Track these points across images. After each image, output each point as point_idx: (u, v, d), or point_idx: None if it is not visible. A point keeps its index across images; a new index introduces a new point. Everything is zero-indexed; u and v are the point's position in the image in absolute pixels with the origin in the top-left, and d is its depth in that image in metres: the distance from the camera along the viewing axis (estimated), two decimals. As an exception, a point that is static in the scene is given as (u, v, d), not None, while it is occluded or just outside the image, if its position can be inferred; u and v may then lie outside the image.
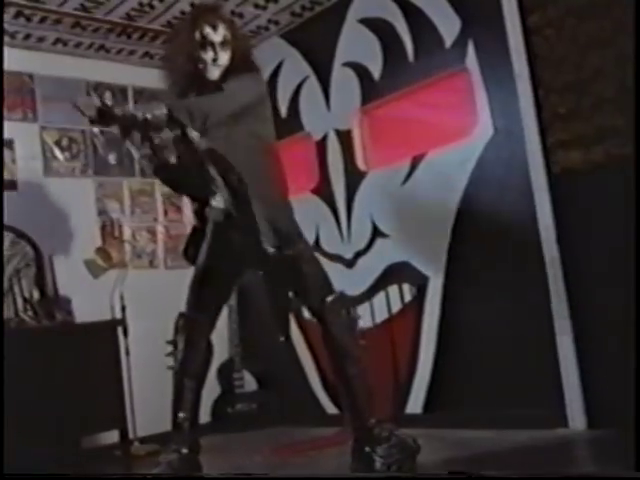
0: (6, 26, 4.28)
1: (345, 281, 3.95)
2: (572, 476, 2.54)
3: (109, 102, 3.76)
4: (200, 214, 2.97)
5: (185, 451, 2.76)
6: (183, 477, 2.74)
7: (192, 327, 2.86)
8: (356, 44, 4.38)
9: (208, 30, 2.79)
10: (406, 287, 4.11)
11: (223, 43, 2.80)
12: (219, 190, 2.83)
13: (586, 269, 3.31)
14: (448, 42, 3.91)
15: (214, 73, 2.80)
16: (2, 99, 4.33)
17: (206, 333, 2.90)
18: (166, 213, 5.07)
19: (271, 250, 2.71)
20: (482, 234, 3.77)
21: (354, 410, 2.82)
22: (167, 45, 3.25)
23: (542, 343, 3.46)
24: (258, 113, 2.83)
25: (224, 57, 2.80)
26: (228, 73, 2.81)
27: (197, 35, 2.79)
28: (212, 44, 2.78)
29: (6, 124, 4.49)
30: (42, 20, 4.28)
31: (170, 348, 2.92)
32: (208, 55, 2.78)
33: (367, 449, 2.74)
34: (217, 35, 2.79)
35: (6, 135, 4.47)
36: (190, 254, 2.98)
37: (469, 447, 3.25)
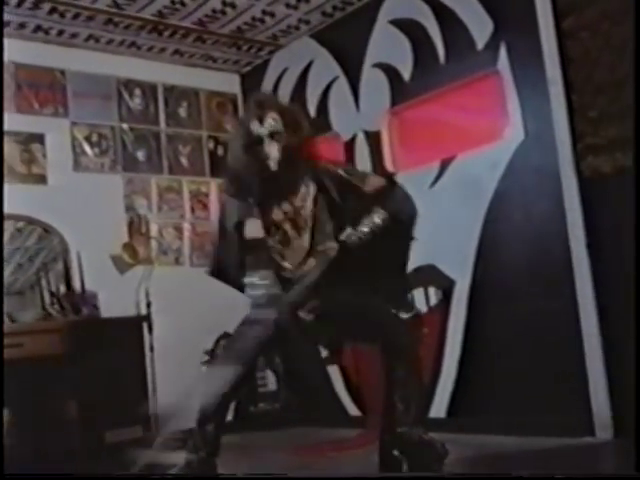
0: (40, 22, 4.33)
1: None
2: (573, 476, 2.51)
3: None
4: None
5: (203, 454, 2.75)
6: (184, 477, 2.74)
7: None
8: (387, 45, 4.36)
9: (255, 126, 2.75)
10: (432, 290, 4.08)
11: (272, 135, 2.74)
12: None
13: (616, 275, 3.27)
14: (480, 44, 3.88)
15: (272, 164, 2.76)
16: (2, 96, 4.36)
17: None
18: (193, 210, 5.09)
19: None
20: (510, 238, 3.74)
21: (391, 412, 2.78)
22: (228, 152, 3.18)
23: (569, 349, 3.42)
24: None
25: (274, 150, 2.74)
26: (284, 163, 2.75)
27: (248, 135, 2.77)
28: (260, 138, 2.75)
29: (37, 119, 4.54)
30: (75, 16, 4.32)
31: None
32: (259, 149, 2.75)
33: (395, 452, 2.72)
34: (264, 128, 2.75)
35: (37, 130, 4.52)
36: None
37: (493, 452, 3.22)
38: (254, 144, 2.75)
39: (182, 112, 5.16)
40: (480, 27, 3.87)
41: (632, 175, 2.95)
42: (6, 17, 4.17)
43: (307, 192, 2.84)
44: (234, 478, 3.07)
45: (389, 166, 4.39)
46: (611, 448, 3.18)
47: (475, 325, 3.86)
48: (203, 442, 2.76)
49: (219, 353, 2.84)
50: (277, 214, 2.82)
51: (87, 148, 4.73)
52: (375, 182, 2.90)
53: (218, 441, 2.80)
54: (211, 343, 4.17)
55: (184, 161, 5.11)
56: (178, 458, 2.78)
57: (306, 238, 2.81)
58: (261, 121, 2.76)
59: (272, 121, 2.76)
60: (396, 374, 2.76)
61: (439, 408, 3.96)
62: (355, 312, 2.78)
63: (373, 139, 4.45)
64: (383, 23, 4.38)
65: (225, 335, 2.90)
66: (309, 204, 2.83)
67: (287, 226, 2.82)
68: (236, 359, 2.76)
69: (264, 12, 4.50)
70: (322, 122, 4.68)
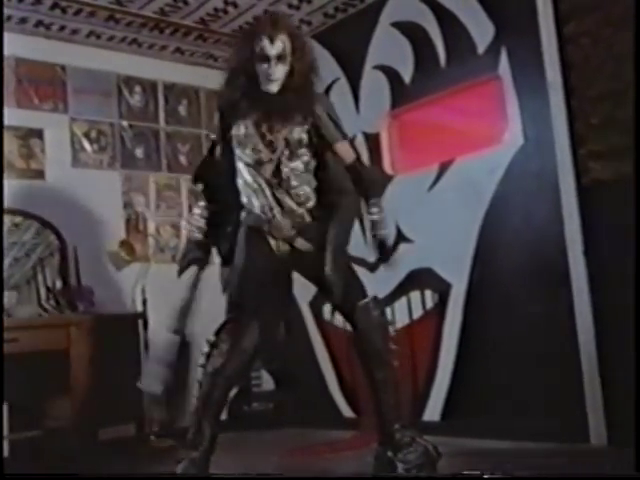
0: (42, 17, 4.32)
1: (367, 285, 3.92)
2: (573, 476, 2.51)
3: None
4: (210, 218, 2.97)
5: (199, 452, 2.74)
6: (182, 477, 2.74)
7: (241, 332, 2.82)
8: (388, 47, 4.36)
9: (265, 42, 2.74)
10: (428, 293, 4.09)
11: (280, 57, 2.74)
12: (259, 198, 2.83)
13: (613, 283, 3.28)
14: (481, 48, 3.89)
15: (271, 87, 2.77)
16: (2, 94, 4.36)
17: (254, 340, 2.85)
18: (191, 208, 5.06)
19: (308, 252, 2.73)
20: (507, 243, 3.74)
21: (379, 414, 2.81)
22: (230, 53, 3.19)
23: (565, 354, 3.43)
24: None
25: (279, 72, 2.75)
26: (285, 88, 2.78)
27: (256, 47, 2.75)
28: (267, 57, 2.74)
29: (37, 114, 4.53)
30: (77, 12, 4.31)
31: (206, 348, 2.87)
32: (262, 68, 2.75)
33: (389, 454, 2.74)
34: (273, 48, 2.74)
35: (36, 125, 4.51)
36: (197, 257, 2.96)
37: (487, 457, 3.22)
38: (260, 61, 2.74)
39: (182, 110, 5.16)
40: (481, 31, 3.87)
41: (632, 182, 2.96)
42: (8, 11, 4.17)
43: (298, 125, 2.83)
44: (233, 478, 3.07)
45: (388, 168, 4.39)
46: (605, 455, 3.17)
47: (471, 329, 3.87)
48: (201, 438, 2.76)
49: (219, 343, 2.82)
50: (266, 138, 2.82)
51: (86, 144, 4.72)
52: (348, 150, 2.97)
53: (215, 437, 2.80)
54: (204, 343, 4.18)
55: (183, 159, 5.11)
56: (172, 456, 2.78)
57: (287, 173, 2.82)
58: (272, 40, 2.74)
59: (281, 43, 2.75)
60: (375, 377, 2.80)
61: (433, 411, 3.96)
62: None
63: (372, 141, 4.45)
64: (385, 25, 4.38)
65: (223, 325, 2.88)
66: (295, 137, 2.82)
67: (265, 153, 2.81)
68: (233, 351, 2.77)
69: (266, 12, 4.49)
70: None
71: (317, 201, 2.86)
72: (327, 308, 4.50)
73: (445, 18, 4.05)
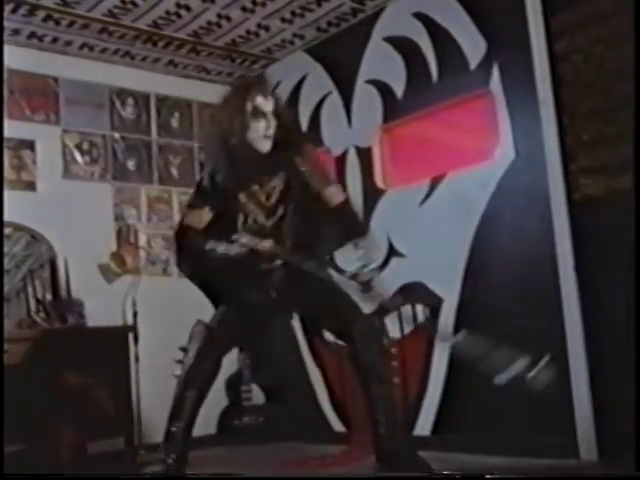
0: (35, 29, 4.32)
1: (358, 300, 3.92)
2: (573, 476, 2.51)
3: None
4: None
5: (170, 461, 2.71)
6: (180, 477, 2.72)
7: (208, 337, 2.82)
8: (380, 62, 4.38)
9: (260, 100, 2.78)
10: (419, 308, 4.08)
11: (273, 113, 2.80)
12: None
13: (603, 299, 3.28)
14: (473, 64, 3.91)
15: (265, 145, 2.81)
16: (2, 102, 4.35)
17: (221, 349, 2.86)
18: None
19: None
20: (499, 258, 3.75)
21: (377, 430, 2.80)
22: (214, 116, 3.21)
23: (555, 370, 3.42)
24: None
25: (274, 127, 2.80)
26: (276, 146, 2.82)
27: (249, 105, 2.78)
28: (263, 113, 2.78)
29: (28, 125, 4.52)
30: (70, 24, 4.31)
31: (181, 355, 2.89)
32: (260, 124, 2.78)
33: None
34: (267, 105, 2.79)
35: (28, 136, 4.51)
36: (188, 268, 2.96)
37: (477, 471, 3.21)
38: (255, 118, 2.77)
39: (174, 123, 5.16)
40: (473, 47, 3.90)
41: (622, 198, 2.98)
42: (0, 23, 4.17)
43: (280, 179, 2.86)
44: (233, 477, 3.06)
45: (380, 183, 4.40)
46: (596, 470, 3.17)
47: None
48: (171, 447, 2.73)
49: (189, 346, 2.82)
50: (250, 193, 2.84)
51: (77, 156, 4.71)
52: (334, 195, 2.94)
53: (187, 443, 2.77)
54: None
55: (174, 172, 5.11)
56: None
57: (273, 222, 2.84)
58: (266, 97, 2.80)
59: (273, 99, 2.82)
60: (372, 393, 2.79)
61: (424, 426, 3.95)
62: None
63: (364, 155, 4.46)
64: (377, 40, 4.40)
65: (198, 322, 2.87)
66: (277, 191, 2.84)
67: (252, 206, 2.84)
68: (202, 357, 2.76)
69: (259, 26, 4.51)
70: (314, 137, 4.69)
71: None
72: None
73: (437, 33, 4.08)
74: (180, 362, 2.86)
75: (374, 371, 2.81)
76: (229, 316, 2.85)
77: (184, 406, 2.76)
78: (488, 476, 2.62)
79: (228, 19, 4.41)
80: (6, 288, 4.21)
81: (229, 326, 2.85)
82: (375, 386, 2.80)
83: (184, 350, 2.85)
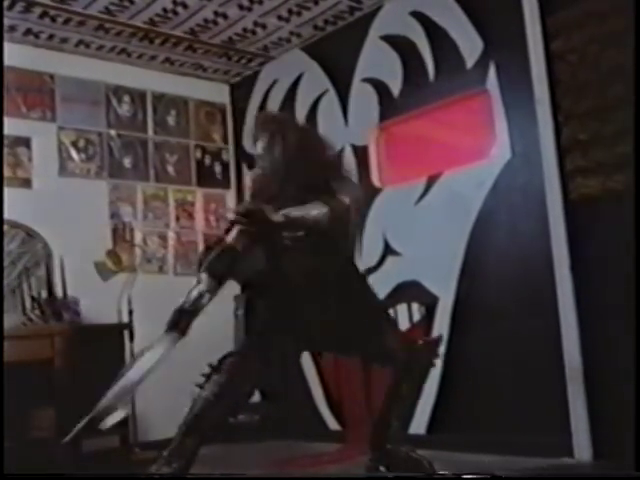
0: (31, 26, 4.32)
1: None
2: (572, 476, 2.51)
3: None
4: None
5: (176, 465, 2.69)
6: (181, 477, 2.71)
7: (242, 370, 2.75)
8: (377, 60, 4.38)
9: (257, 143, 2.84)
10: (415, 306, 4.09)
11: (264, 149, 2.80)
12: None
13: (599, 299, 3.29)
14: (469, 63, 3.91)
15: None
16: (2, 99, 4.34)
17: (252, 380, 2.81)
18: (178, 219, 5.07)
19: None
20: (494, 257, 3.75)
21: (381, 427, 2.80)
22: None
23: (550, 369, 3.43)
24: None
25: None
26: None
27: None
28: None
29: (24, 122, 4.52)
30: (66, 21, 4.31)
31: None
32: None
33: (382, 469, 2.73)
34: (257, 147, 2.83)
35: (24, 133, 4.50)
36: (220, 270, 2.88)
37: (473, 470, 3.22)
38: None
39: (170, 120, 5.15)
40: (470, 46, 3.90)
41: (619, 198, 2.99)
42: (-4, 20, 4.16)
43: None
44: (232, 477, 3.05)
45: (376, 181, 4.40)
46: (590, 470, 3.18)
47: (457, 342, 3.86)
48: (179, 454, 2.71)
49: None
50: None
51: (73, 153, 4.70)
52: None
53: (194, 455, 2.75)
54: (192, 353, 4.15)
55: (171, 169, 5.10)
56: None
57: None
58: (256, 141, 2.86)
59: (266, 138, 2.82)
60: (401, 390, 2.79)
61: (419, 424, 3.96)
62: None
63: (361, 154, 4.46)
64: (374, 38, 4.40)
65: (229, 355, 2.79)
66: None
67: None
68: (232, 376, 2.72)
69: (256, 24, 4.51)
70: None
71: None
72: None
73: (434, 32, 4.08)
74: (207, 377, 2.76)
75: (410, 372, 2.82)
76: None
77: (207, 415, 2.67)
78: (487, 476, 2.62)
79: (225, 17, 4.40)
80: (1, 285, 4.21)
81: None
82: (406, 384, 2.81)
83: (215, 368, 2.76)
